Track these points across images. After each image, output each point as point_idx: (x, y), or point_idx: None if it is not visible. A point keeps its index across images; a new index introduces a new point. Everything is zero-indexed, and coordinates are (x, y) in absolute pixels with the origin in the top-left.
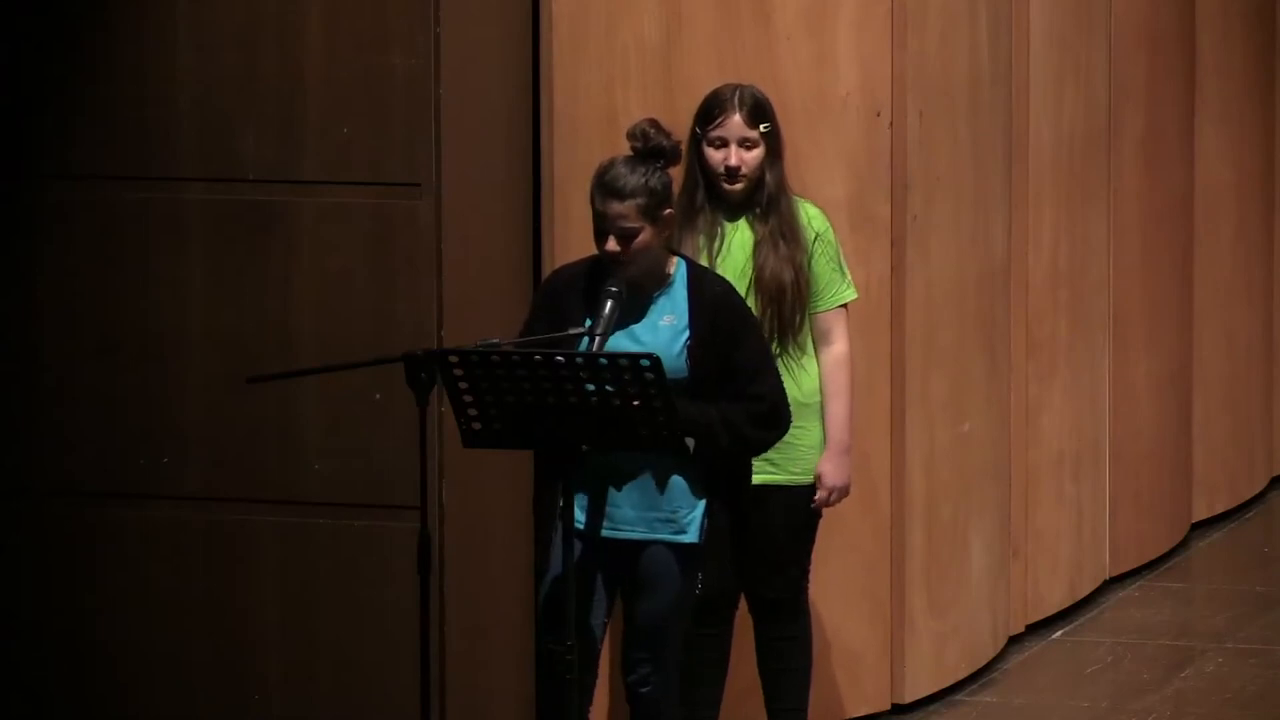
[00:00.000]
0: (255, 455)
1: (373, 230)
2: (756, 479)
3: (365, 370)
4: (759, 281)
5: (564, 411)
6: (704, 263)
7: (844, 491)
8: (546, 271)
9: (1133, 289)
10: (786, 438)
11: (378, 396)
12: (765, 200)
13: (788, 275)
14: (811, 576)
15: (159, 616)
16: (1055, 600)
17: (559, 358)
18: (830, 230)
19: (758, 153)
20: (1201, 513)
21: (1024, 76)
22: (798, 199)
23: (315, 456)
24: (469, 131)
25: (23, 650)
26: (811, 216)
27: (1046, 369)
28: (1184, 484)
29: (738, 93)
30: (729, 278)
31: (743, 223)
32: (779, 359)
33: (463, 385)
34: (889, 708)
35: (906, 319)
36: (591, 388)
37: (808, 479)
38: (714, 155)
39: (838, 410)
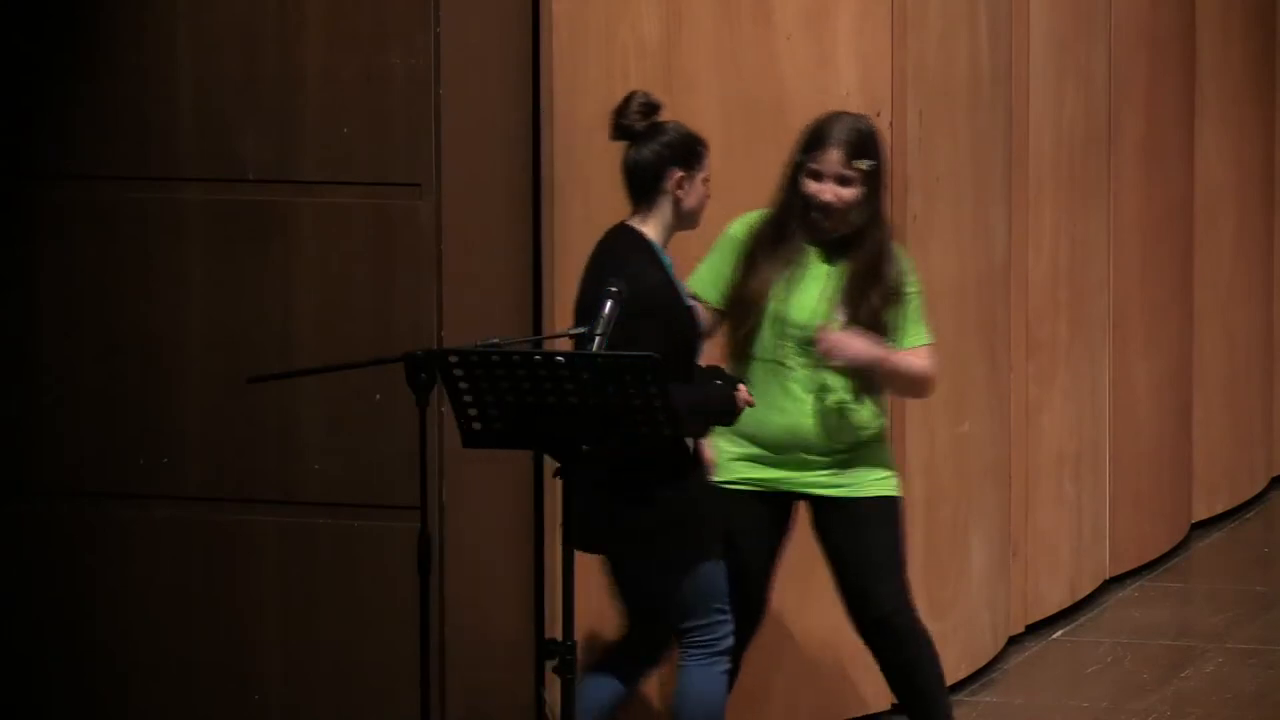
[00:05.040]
0: (255, 455)
1: (373, 230)
2: (826, 492)
3: (365, 370)
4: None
5: (564, 411)
6: (781, 291)
7: (840, 351)
8: (546, 272)
9: (1133, 289)
10: (853, 463)
11: (378, 396)
12: (853, 236)
13: (861, 316)
14: (811, 577)
15: (159, 616)
16: (1055, 600)
17: (559, 358)
18: (913, 273)
19: (855, 190)
20: (1201, 513)
21: (1024, 76)
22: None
23: (315, 456)
24: (469, 131)
25: (23, 650)
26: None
27: (1046, 369)
28: (1184, 484)
29: (840, 127)
30: (802, 310)
31: (822, 256)
32: (839, 392)
33: (463, 385)
34: (889, 708)
35: None
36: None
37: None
38: (809, 185)
39: (901, 364)
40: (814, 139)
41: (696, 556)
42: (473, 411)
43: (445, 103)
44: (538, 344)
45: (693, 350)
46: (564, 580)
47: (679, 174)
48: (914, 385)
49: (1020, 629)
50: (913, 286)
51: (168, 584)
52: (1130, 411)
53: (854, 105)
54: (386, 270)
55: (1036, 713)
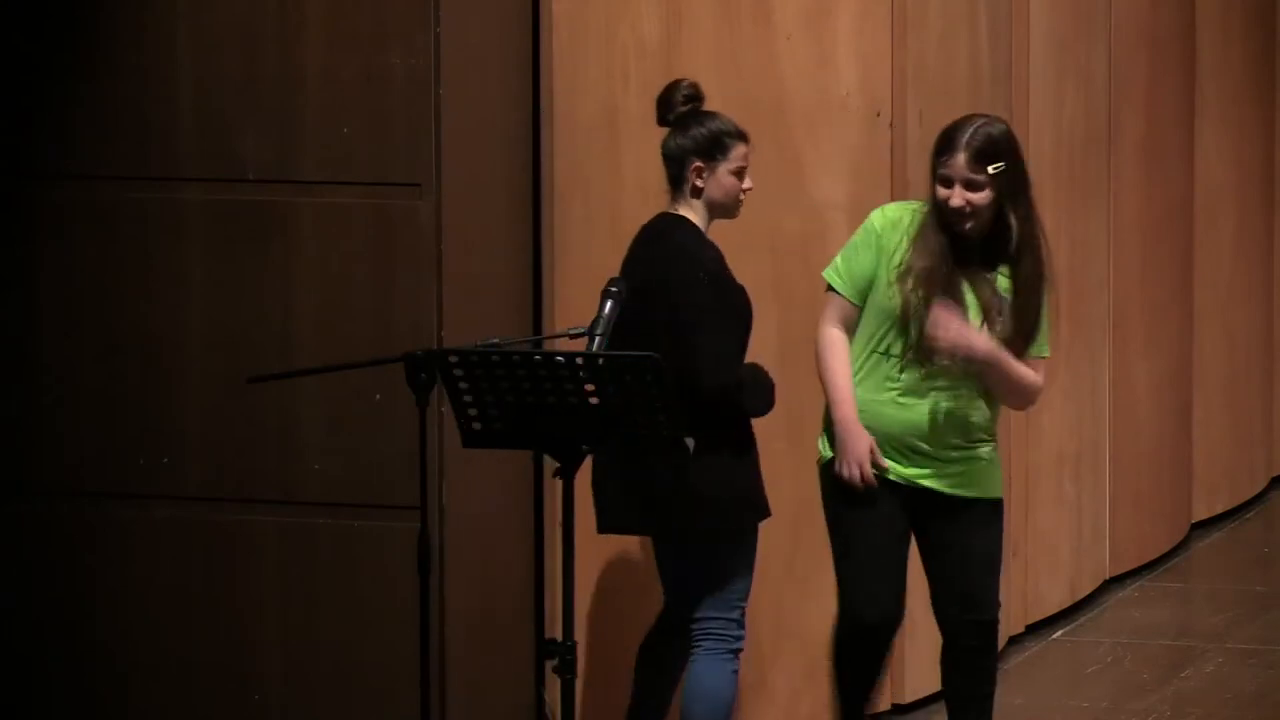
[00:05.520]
0: (255, 455)
1: (373, 230)
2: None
3: (365, 370)
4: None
5: (564, 411)
6: (972, 319)
7: (952, 342)
8: (546, 272)
9: (1133, 289)
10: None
11: (378, 396)
12: (996, 239)
13: (1020, 321)
14: (812, 577)
15: (159, 616)
16: (1055, 600)
17: (559, 358)
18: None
19: (985, 193)
20: (1201, 513)
21: (1024, 76)
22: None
23: (315, 456)
24: (469, 131)
25: (23, 650)
26: None
27: (1047, 369)
28: (1184, 484)
29: (967, 131)
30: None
31: (972, 258)
32: (963, 386)
33: (463, 385)
34: (889, 708)
35: None
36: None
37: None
38: (940, 190)
39: (1014, 370)
40: (943, 144)
41: (733, 548)
42: (473, 411)
43: (445, 103)
44: (538, 344)
45: (748, 329)
46: (564, 580)
47: (698, 164)
48: (1020, 395)
49: (1020, 629)
50: (1046, 293)
51: (168, 584)
52: (1130, 411)
53: (854, 105)
54: (386, 270)
55: (1036, 713)
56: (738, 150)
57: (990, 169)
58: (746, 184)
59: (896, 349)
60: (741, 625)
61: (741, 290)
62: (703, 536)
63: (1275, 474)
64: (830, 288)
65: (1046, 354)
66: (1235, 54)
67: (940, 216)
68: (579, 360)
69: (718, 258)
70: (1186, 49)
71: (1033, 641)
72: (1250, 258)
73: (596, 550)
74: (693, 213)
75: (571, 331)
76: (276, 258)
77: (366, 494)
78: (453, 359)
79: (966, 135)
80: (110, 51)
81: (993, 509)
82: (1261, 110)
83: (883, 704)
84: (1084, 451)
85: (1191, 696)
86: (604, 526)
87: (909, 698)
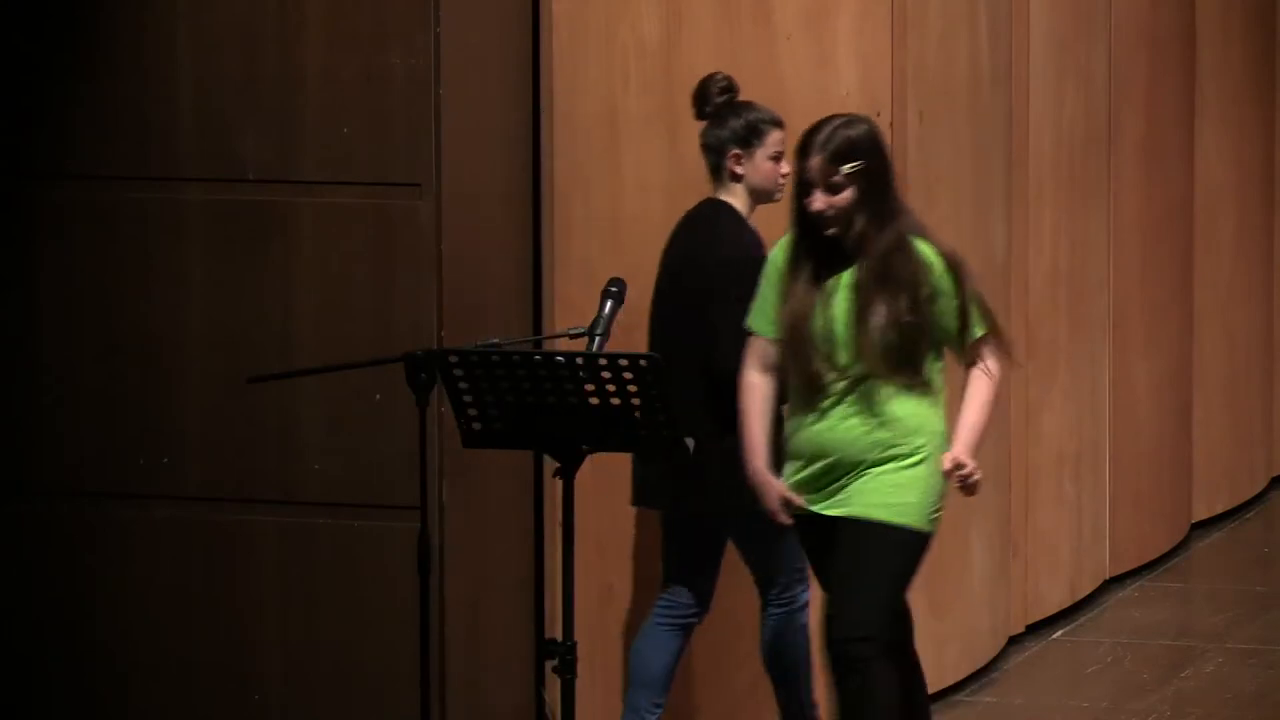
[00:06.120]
0: (255, 455)
1: (373, 230)
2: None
3: (365, 370)
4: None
5: (564, 411)
6: (819, 307)
7: (969, 479)
8: (546, 272)
9: (1133, 289)
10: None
11: (378, 396)
12: (862, 239)
13: (892, 320)
14: (811, 578)
15: (159, 616)
16: (1055, 600)
17: (559, 358)
18: (941, 266)
19: (846, 194)
20: (1201, 513)
21: (1024, 76)
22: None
23: (315, 456)
24: (469, 131)
25: (23, 650)
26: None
27: (1046, 369)
28: (1184, 484)
29: (823, 132)
30: (838, 322)
31: (847, 263)
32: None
33: (463, 385)
34: None
35: None
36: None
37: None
38: (803, 196)
39: (983, 411)
40: (801, 147)
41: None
42: (473, 411)
43: (445, 103)
44: (538, 344)
45: None
46: (564, 580)
47: (736, 152)
48: (994, 402)
49: (1020, 629)
50: (945, 278)
51: (168, 584)
52: (1130, 411)
53: (854, 105)
54: (386, 270)
55: (1036, 713)
56: (773, 136)
57: (846, 169)
58: (784, 168)
59: (838, 369)
60: (804, 580)
61: None
62: (745, 510)
63: (1275, 474)
64: (751, 331)
65: (982, 331)
66: (1235, 54)
67: (804, 224)
68: (579, 360)
69: (757, 242)
70: (1186, 49)
71: (1033, 641)
72: (1250, 258)
73: (596, 550)
74: (735, 198)
75: (571, 331)
76: (276, 258)
77: (366, 494)
78: (453, 359)
79: (822, 137)
80: (110, 51)
81: (892, 531)
82: (1261, 110)
83: None
84: (1084, 451)
85: (1191, 696)
86: (642, 501)
87: None
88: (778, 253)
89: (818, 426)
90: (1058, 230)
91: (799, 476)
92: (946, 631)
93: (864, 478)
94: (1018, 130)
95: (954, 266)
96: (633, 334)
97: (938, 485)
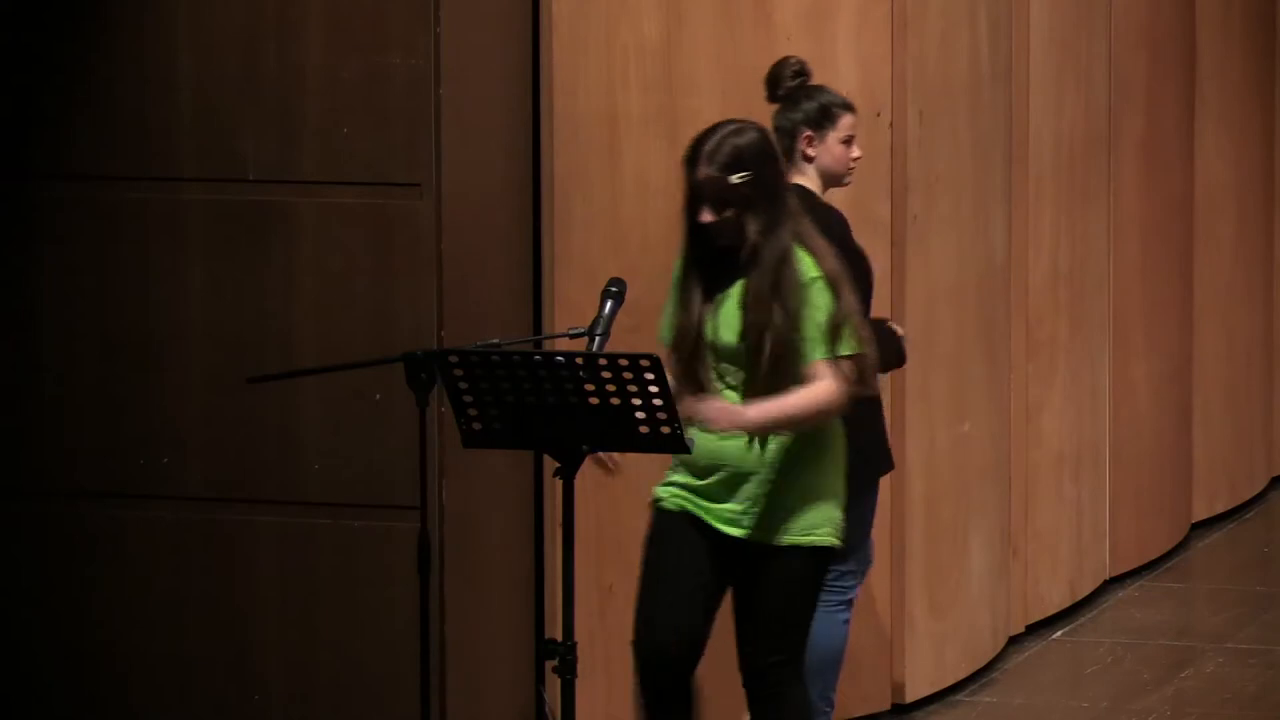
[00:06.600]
0: (255, 455)
1: (373, 230)
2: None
3: (365, 370)
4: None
5: (564, 411)
6: (710, 318)
7: (725, 425)
8: (546, 272)
9: (1133, 289)
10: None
11: (378, 396)
12: (752, 251)
13: (772, 334)
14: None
15: (159, 616)
16: (1055, 600)
17: (559, 358)
18: (818, 281)
19: (733, 206)
20: (1201, 513)
21: (1024, 76)
22: (797, 248)
23: (315, 456)
24: (469, 131)
25: (23, 650)
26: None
27: (1046, 369)
28: (1184, 484)
29: (709, 143)
30: (728, 333)
31: (739, 275)
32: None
33: (463, 385)
34: (889, 708)
35: (906, 319)
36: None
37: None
38: (691, 207)
39: (795, 407)
40: (688, 157)
41: (852, 503)
42: (473, 411)
43: (445, 103)
44: (538, 344)
45: (869, 292)
46: (564, 580)
47: (809, 134)
48: (819, 415)
49: (1020, 629)
50: (818, 294)
51: (168, 584)
52: (1130, 411)
53: (854, 105)
54: (386, 270)
55: (1036, 713)
56: (845, 120)
57: (735, 179)
58: (855, 152)
59: (729, 380)
60: (854, 575)
61: (862, 254)
62: None
63: (1275, 474)
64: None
65: (823, 355)
66: (1235, 54)
67: (695, 235)
68: (579, 360)
69: (842, 221)
70: (1186, 49)
71: (1033, 641)
72: (1250, 258)
73: (596, 550)
74: (808, 180)
75: (571, 331)
76: (276, 258)
77: (366, 494)
78: (453, 359)
79: (709, 147)
80: (110, 51)
81: (795, 553)
82: (1261, 110)
83: (883, 704)
84: (1084, 451)
85: (1191, 696)
86: None
87: (909, 698)
88: (677, 263)
89: (709, 437)
90: (1058, 230)
91: (695, 485)
92: (946, 631)
93: (763, 502)
94: (1018, 130)
95: (831, 284)
96: (633, 334)
97: (833, 493)
